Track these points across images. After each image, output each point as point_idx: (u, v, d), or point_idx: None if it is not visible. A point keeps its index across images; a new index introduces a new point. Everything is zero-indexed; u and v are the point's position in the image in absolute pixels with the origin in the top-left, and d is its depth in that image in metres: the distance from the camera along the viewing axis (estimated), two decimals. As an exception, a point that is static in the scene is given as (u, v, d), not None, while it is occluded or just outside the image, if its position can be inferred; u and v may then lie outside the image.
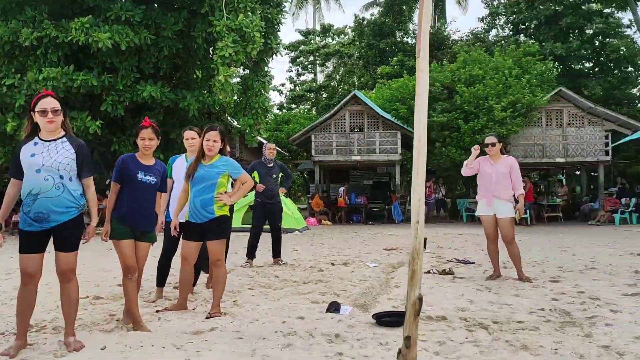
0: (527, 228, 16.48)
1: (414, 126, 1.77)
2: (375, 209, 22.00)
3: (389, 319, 4.00)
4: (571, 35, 26.93)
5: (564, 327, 3.85)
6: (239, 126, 16.33)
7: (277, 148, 14.04)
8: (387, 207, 21.28)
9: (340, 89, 39.89)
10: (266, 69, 16.27)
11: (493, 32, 31.53)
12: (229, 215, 4.48)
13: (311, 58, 42.79)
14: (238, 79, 16.16)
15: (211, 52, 14.70)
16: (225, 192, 4.52)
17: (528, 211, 18.08)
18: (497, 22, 31.08)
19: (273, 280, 6.17)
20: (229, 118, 17.25)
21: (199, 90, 15.01)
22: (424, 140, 1.76)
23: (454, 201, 22.29)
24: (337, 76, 41.76)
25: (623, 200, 18.21)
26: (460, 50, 21.86)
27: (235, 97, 15.48)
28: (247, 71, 16.34)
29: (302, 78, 43.61)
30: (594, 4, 26.83)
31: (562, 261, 7.75)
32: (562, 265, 7.22)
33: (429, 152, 19.96)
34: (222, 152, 4.49)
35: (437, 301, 4.82)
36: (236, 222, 13.94)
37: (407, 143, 21.33)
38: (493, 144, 6.19)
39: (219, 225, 4.36)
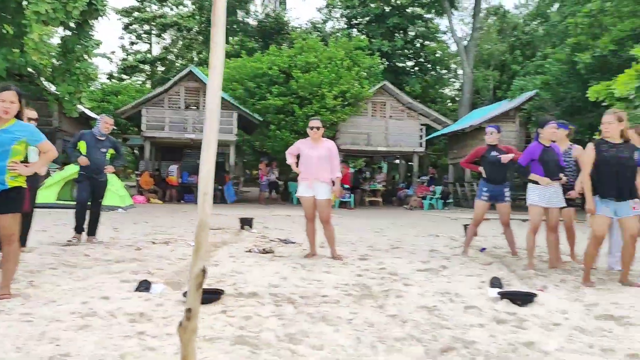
0: (350, 211, 17.66)
1: (206, 98, 1.77)
2: (207, 189, 21.67)
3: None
4: (397, 35, 29.28)
5: (361, 300, 4.20)
6: (58, 93, 14.80)
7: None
8: (220, 187, 21.13)
9: (178, 63, 38.37)
10: (91, 32, 14.92)
11: (330, 23, 32.97)
12: (25, 187, 4.04)
13: (146, 27, 40.33)
14: (57, 40, 14.60)
15: (24, 6, 13.03)
16: (26, 162, 4.08)
17: (352, 195, 19.42)
18: (333, 15, 32.54)
19: (82, 259, 5.75)
20: (44, 82, 15.53)
21: (8, 47, 13.21)
22: (216, 113, 1.76)
23: (286, 183, 22.96)
24: (175, 49, 40.04)
25: (432, 188, 20.47)
26: (298, 37, 22.43)
27: (53, 60, 13.97)
28: (68, 32, 14.81)
29: (136, 47, 40.96)
30: (417, 8, 29.49)
31: (374, 241, 8.46)
32: (373, 245, 7.88)
33: (264, 135, 20.30)
34: (19, 116, 4.02)
35: (253, 279, 4.93)
36: (50, 197, 12.72)
37: (244, 124, 21.38)
38: (318, 127, 6.45)
39: (12, 198, 3.91)
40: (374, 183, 22.55)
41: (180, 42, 39.72)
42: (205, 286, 4.45)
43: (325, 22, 32.51)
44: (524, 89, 21.90)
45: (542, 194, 5.67)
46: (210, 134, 1.75)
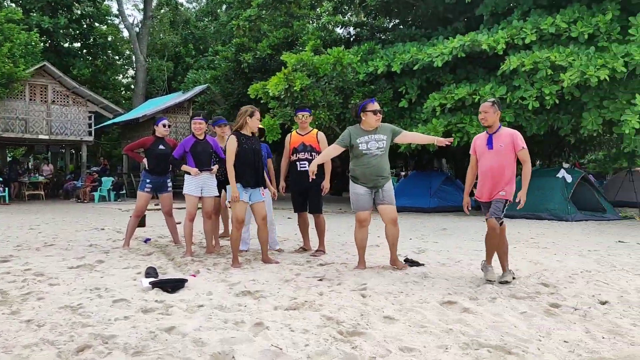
0: (5, 207, 15.42)
1: None
2: None
3: None
4: (60, 12, 26.46)
5: (-9, 309, 3.68)
6: None
7: None
8: None
9: None
10: None
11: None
12: None
13: None
14: None
15: None
16: None
17: (7, 189, 17.05)
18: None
19: None
20: None
21: None
22: None
23: None
24: None
25: (95, 176, 19.49)
26: None
27: None
28: None
29: None
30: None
31: (24, 240, 7.53)
32: (22, 244, 7.00)
33: None
34: None
35: None
36: None
37: None
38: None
39: None
40: (35, 175, 20.12)
41: None
42: None
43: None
44: (197, 82, 22.79)
45: (196, 183, 6.00)
46: None
